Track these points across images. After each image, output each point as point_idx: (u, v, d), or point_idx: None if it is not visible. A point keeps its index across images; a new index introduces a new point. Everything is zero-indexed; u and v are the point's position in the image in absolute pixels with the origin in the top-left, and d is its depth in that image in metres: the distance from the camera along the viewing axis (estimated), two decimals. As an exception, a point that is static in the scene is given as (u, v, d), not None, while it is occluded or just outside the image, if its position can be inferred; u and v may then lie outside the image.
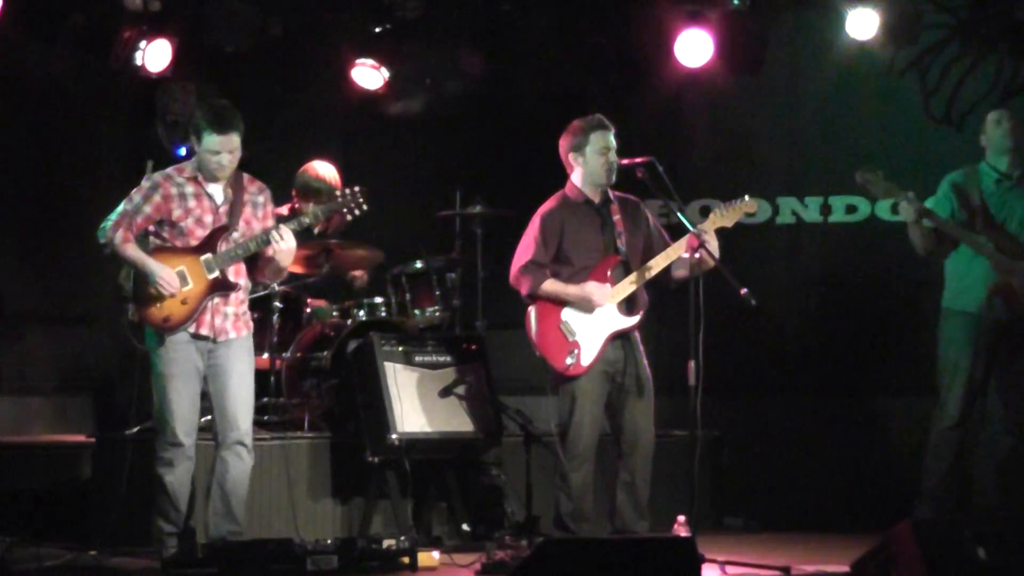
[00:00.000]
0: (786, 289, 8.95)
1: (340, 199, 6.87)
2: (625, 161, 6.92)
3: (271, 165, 8.86)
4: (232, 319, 6.64)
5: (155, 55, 8.41)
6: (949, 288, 7.51)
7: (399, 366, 7.43)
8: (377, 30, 8.94)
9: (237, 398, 6.62)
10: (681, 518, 6.57)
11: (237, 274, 6.65)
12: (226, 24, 8.52)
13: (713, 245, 6.76)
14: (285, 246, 6.56)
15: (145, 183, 6.63)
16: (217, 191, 6.64)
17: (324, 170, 8.33)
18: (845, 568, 5.82)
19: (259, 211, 6.72)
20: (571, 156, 7.06)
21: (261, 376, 7.91)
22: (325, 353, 7.82)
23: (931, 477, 7.45)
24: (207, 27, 8.53)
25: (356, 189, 6.86)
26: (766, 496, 8.59)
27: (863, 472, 8.58)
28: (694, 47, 8.64)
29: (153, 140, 8.86)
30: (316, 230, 8.39)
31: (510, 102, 9.23)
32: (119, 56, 8.36)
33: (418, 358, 7.49)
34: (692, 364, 6.54)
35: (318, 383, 7.83)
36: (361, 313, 8.03)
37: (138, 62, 8.39)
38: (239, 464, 6.62)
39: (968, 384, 7.36)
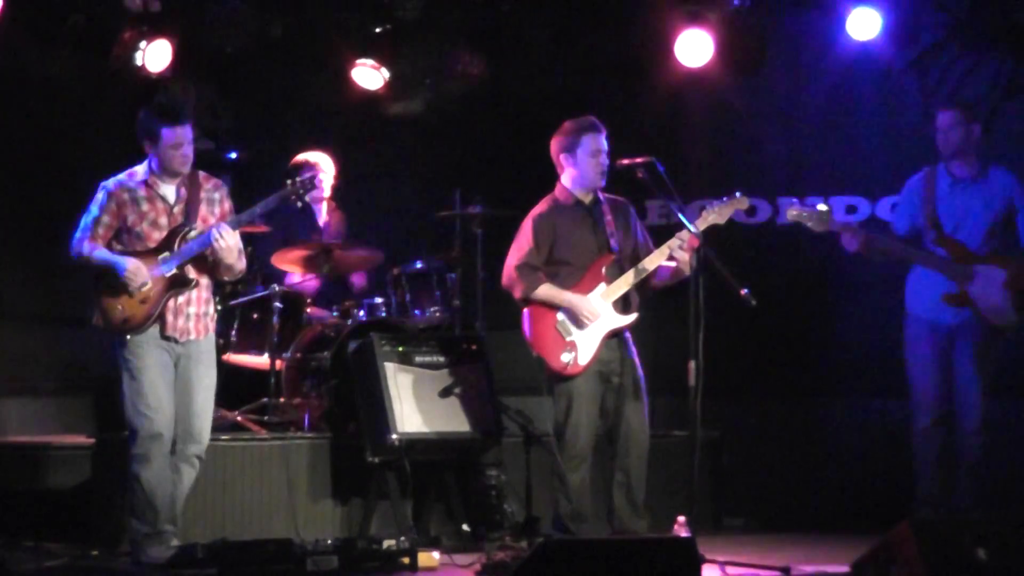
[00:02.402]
0: (786, 289, 8.95)
1: (287, 187, 6.81)
2: (625, 161, 6.91)
3: (271, 165, 8.88)
4: (194, 319, 6.64)
5: (155, 55, 8.40)
6: (909, 291, 7.59)
7: (399, 366, 7.43)
8: (377, 30, 8.94)
9: (202, 413, 6.64)
10: (681, 518, 6.56)
11: (196, 273, 6.64)
12: (226, 24, 8.52)
13: (685, 256, 6.78)
14: (224, 244, 6.53)
15: (99, 194, 6.64)
16: (170, 192, 6.64)
17: (304, 155, 8.41)
18: (845, 568, 5.82)
19: (216, 208, 6.72)
20: (562, 157, 7.07)
21: (261, 376, 7.94)
22: (325, 353, 7.81)
23: (922, 480, 7.49)
24: (207, 27, 8.53)
25: (306, 177, 6.85)
26: (766, 496, 8.59)
27: (863, 472, 8.58)
28: (694, 47, 8.64)
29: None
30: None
31: (510, 102, 9.22)
32: (119, 56, 8.35)
33: (418, 358, 7.49)
34: (692, 364, 6.53)
35: (318, 383, 7.83)
36: (361, 313, 8.03)
37: (138, 62, 8.39)
38: (191, 474, 6.67)
39: (936, 381, 7.44)
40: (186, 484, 6.65)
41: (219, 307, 8.07)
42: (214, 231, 6.52)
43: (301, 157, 8.54)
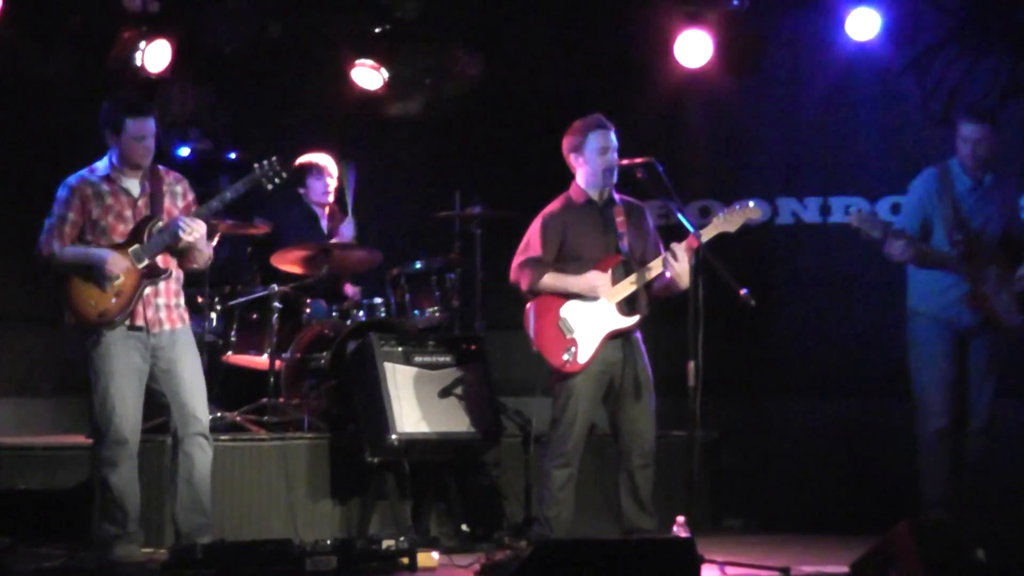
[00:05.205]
0: (786, 289, 8.95)
1: (256, 170, 6.73)
2: (625, 161, 6.92)
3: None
4: (165, 311, 6.63)
5: (154, 55, 8.42)
6: (916, 290, 7.47)
7: (398, 366, 7.43)
8: (376, 31, 8.95)
9: (192, 390, 6.61)
10: (680, 519, 6.55)
11: (166, 263, 6.64)
12: (226, 24, 8.53)
13: (683, 267, 6.75)
14: (194, 234, 6.53)
15: (61, 192, 6.64)
16: (133, 185, 6.65)
17: (309, 156, 8.41)
18: (845, 568, 5.82)
19: (179, 200, 6.72)
20: (572, 156, 7.07)
21: (260, 376, 7.94)
22: (324, 354, 7.82)
23: (934, 484, 7.35)
24: (207, 27, 8.54)
25: (273, 159, 6.78)
26: (765, 496, 8.59)
27: (862, 472, 8.58)
28: (694, 47, 8.66)
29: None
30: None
31: (509, 102, 9.23)
32: (118, 57, 8.36)
33: (417, 358, 7.49)
34: (692, 364, 6.53)
35: (317, 384, 7.83)
36: (360, 313, 8.03)
37: (137, 63, 8.40)
38: (203, 456, 6.61)
39: (950, 382, 7.34)
40: (200, 469, 6.59)
41: (219, 307, 8.09)
42: (181, 223, 6.51)
43: (306, 158, 8.53)
